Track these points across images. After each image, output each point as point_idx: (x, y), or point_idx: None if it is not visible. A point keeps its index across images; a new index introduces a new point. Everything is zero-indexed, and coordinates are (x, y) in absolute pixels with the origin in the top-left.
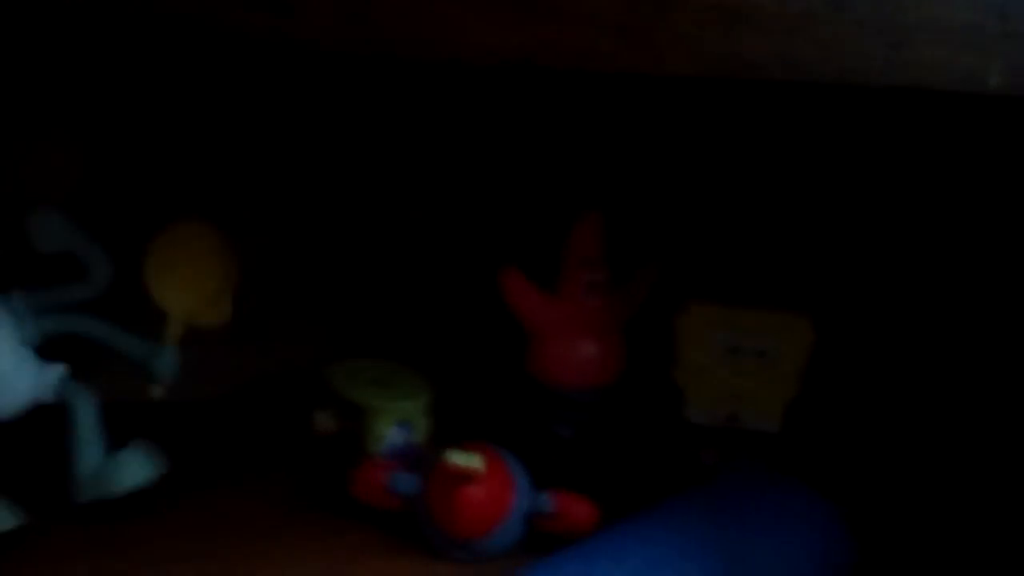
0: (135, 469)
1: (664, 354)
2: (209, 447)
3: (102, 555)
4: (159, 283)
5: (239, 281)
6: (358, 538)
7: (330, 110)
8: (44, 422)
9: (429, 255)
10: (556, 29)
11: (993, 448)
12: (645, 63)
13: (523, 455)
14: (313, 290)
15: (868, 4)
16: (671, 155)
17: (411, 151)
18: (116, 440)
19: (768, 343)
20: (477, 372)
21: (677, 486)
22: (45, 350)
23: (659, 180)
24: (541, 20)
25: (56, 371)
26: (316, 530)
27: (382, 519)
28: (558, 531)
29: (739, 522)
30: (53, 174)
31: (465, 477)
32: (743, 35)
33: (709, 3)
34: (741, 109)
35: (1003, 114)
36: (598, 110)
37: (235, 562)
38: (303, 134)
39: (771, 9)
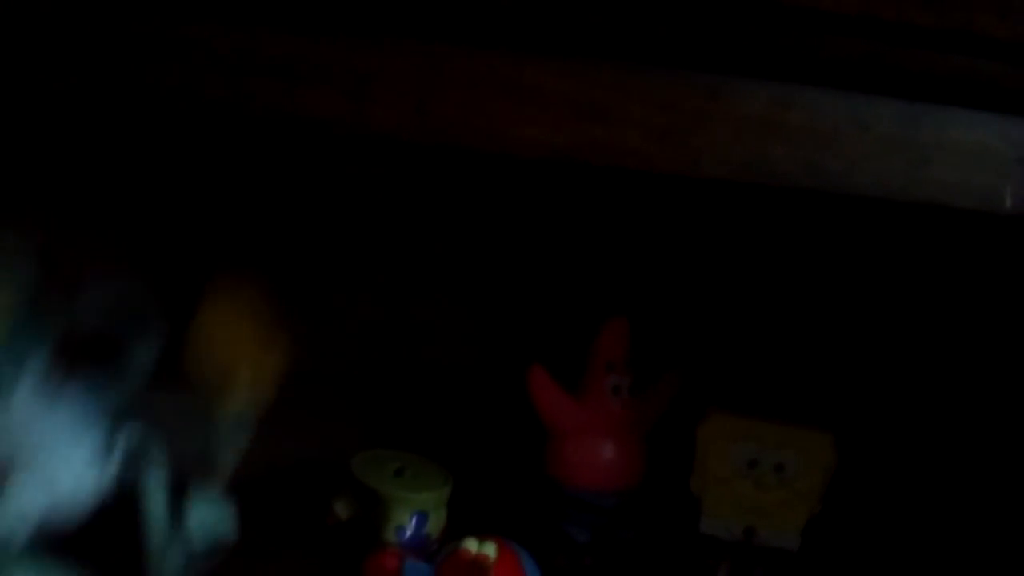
0: (212, 521)
1: (684, 463)
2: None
3: None
4: (209, 353)
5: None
6: None
7: (361, 202)
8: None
9: (457, 351)
10: (602, 129)
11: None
12: (682, 166)
13: (537, 555)
14: (343, 382)
15: (891, 123)
16: (701, 264)
17: (441, 247)
18: None
19: (788, 458)
20: (496, 469)
21: None
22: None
23: (687, 288)
24: (590, 120)
25: (119, 452)
26: None
27: None
28: None
29: None
30: (88, 256)
31: (477, 568)
32: (774, 146)
33: (744, 114)
34: (769, 222)
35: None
36: (627, 219)
37: None
38: (327, 223)
39: (801, 123)
